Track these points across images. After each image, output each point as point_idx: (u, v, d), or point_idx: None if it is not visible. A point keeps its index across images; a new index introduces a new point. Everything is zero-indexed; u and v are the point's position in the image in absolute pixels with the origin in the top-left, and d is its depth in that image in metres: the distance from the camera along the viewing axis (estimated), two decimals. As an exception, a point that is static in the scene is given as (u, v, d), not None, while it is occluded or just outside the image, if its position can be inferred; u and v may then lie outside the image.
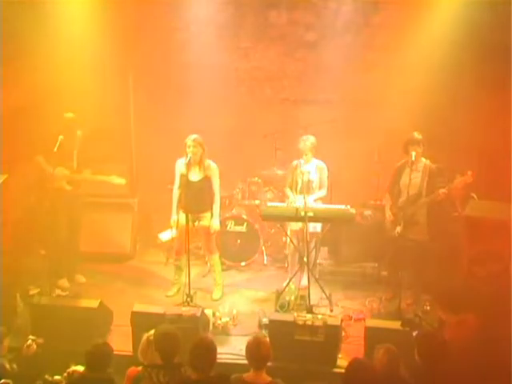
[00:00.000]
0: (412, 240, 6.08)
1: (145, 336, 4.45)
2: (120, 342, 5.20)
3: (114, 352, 4.46)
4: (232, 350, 5.45)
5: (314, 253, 6.64)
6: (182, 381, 4.16)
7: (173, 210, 6.35)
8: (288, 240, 6.79)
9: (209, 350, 4.15)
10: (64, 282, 6.63)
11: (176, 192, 6.32)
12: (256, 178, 7.74)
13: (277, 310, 6.03)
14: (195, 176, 6.22)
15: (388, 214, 6.32)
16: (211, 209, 6.37)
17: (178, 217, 6.31)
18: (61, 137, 6.10)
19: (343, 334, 5.55)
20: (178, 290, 6.46)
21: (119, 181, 6.52)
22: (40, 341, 5.01)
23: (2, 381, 4.31)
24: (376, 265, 7.03)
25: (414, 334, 4.65)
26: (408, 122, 6.81)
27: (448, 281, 6.32)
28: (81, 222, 6.81)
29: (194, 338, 5.17)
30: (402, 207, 6.15)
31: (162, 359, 4.21)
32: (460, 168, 5.96)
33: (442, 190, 5.94)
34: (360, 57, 7.83)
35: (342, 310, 6.27)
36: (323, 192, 6.57)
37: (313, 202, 6.40)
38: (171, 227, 7.36)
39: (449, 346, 4.26)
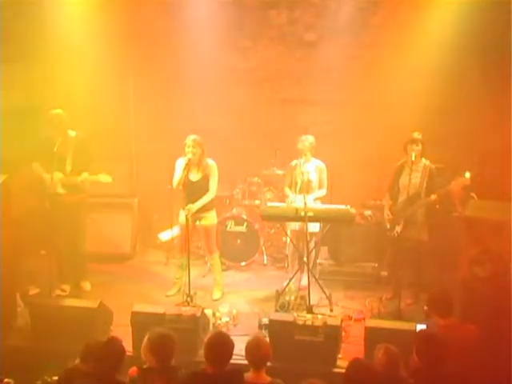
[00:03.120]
0: (412, 240, 6.09)
1: (147, 336, 4.44)
2: (120, 341, 5.19)
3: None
4: (232, 350, 5.45)
5: (313, 253, 6.65)
6: (197, 375, 4.16)
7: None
8: (288, 240, 6.79)
9: (225, 344, 4.17)
10: (66, 288, 6.55)
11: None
12: (256, 178, 7.74)
13: (277, 310, 6.02)
14: (194, 176, 6.24)
15: (386, 213, 6.32)
16: (211, 208, 6.39)
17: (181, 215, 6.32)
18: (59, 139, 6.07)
19: (343, 334, 5.55)
20: (178, 290, 6.46)
21: (106, 179, 6.25)
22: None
23: (5, 380, 4.30)
24: (376, 265, 7.03)
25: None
26: (408, 122, 6.81)
27: (439, 284, 6.32)
28: (84, 228, 6.61)
29: (193, 338, 5.23)
30: (401, 207, 6.15)
31: (158, 362, 4.19)
32: (460, 168, 5.96)
33: (433, 196, 5.98)
34: (360, 57, 7.83)
35: (342, 310, 6.26)
36: (323, 191, 6.57)
37: (312, 201, 6.40)
38: (171, 227, 7.40)
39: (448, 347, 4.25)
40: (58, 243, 6.47)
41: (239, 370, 4.15)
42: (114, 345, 4.27)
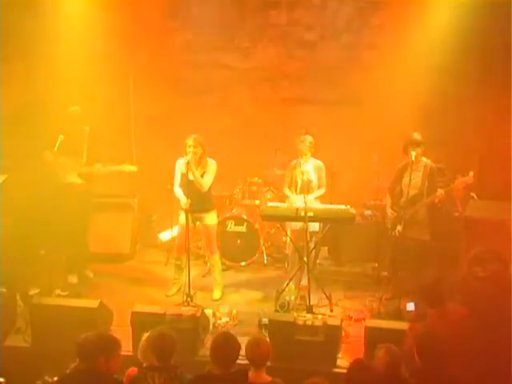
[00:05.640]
0: (412, 240, 6.09)
1: (144, 336, 4.45)
2: (120, 342, 5.19)
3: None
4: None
5: (313, 253, 6.64)
6: (203, 377, 4.17)
7: (181, 198, 6.24)
8: (288, 240, 6.79)
9: (231, 345, 4.18)
10: (73, 278, 6.66)
11: (178, 188, 6.30)
12: (256, 178, 7.73)
13: (277, 310, 6.03)
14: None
15: (389, 211, 6.32)
16: (212, 209, 6.38)
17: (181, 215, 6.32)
18: (61, 137, 6.10)
19: (343, 333, 5.55)
20: (178, 290, 6.46)
21: (131, 168, 6.54)
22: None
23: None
24: (376, 265, 7.03)
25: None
26: (408, 122, 6.81)
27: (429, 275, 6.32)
28: (90, 218, 6.84)
29: (193, 338, 5.23)
30: (402, 207, 6.15)
31: (158, 361, 4.19)
32: (461, 168, 5.96)
33: (439, 191, 5.95)
34: (360, 57, 7.83)
35: (342, 310, 6.26)
36: (321, 191, 6.56)
37: (312, 200, 6.39)
38: (171, 227, 7.40)
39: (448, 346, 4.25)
40: (66, 234, 6.53)
41: (245, 370, 4.16)
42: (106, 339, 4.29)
